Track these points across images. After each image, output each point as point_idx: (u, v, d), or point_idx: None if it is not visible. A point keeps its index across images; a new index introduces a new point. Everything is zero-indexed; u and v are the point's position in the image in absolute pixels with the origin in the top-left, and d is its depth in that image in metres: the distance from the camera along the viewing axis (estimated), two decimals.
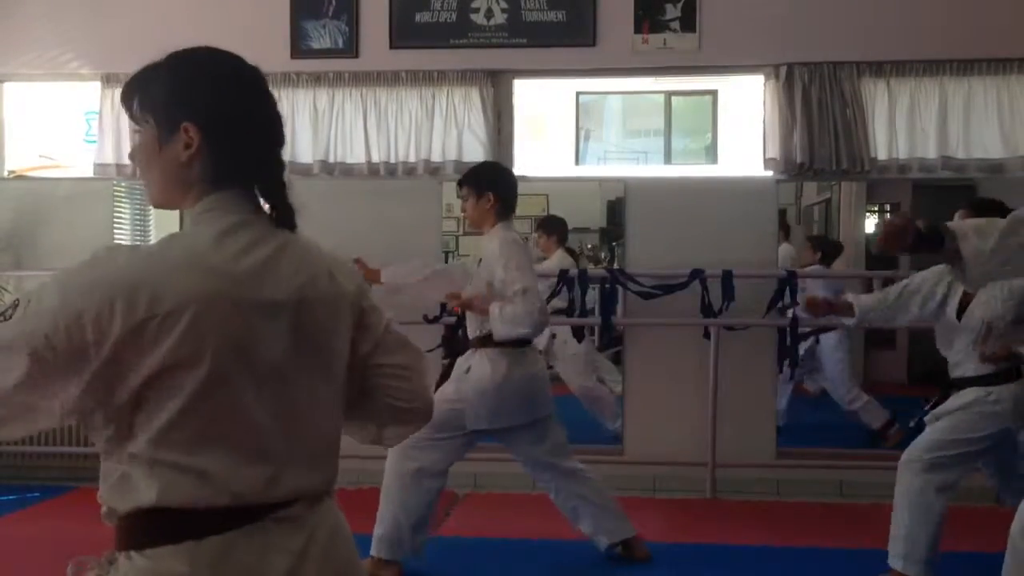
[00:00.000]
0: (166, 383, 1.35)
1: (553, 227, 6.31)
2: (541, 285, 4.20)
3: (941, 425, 3.65)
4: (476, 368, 3.82)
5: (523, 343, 3.85)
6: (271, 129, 1.53)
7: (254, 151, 1.49)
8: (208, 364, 1.35)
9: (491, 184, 3.87)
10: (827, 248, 6.36)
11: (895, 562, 3.62)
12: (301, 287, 1.47)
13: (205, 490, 1.37)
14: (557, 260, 6.05)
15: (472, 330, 3.90)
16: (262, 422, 1.41)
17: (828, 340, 5.90)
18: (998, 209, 3.75)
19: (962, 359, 3.69)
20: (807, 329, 5.34)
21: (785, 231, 6.66)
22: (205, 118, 1.46)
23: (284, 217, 1.50)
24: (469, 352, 3.90)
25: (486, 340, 3.83)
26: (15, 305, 1.34)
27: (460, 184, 3.96)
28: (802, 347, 5.72)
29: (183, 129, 1.45)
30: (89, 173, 5.72)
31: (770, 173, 5.40)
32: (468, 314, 3.93)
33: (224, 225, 1.44)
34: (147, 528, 1.38)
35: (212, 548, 1.36)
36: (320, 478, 1.50)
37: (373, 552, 3.82)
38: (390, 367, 1.63)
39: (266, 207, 1.51)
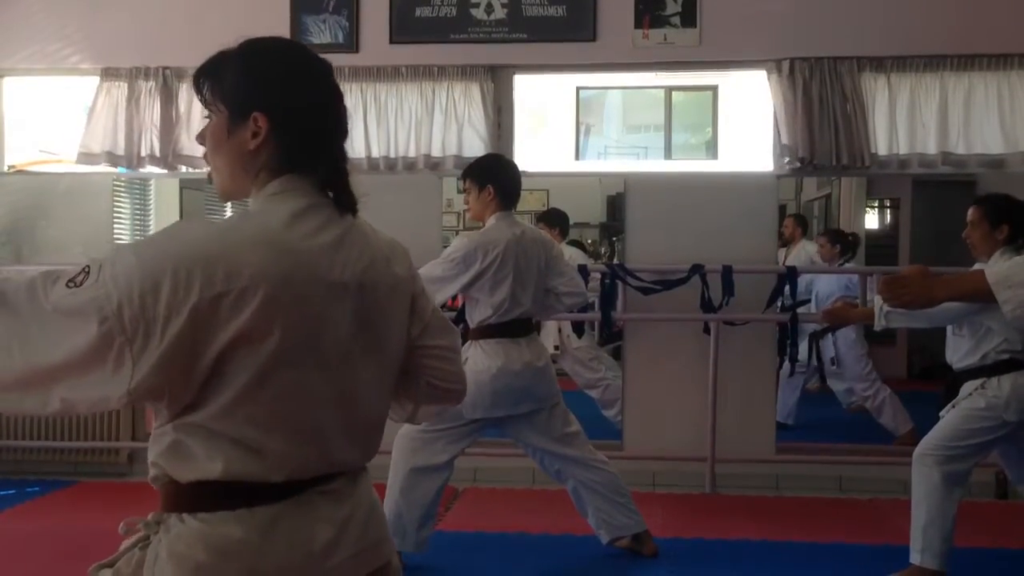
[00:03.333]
0: (236, 358, 1.35)
1: (555, 220, 6.30)
2: None
3: (948, 418, 3.67)
4: (472, 359, 3.82)
5: (520, 332, 3.86)
6: (337, 121, 1.56)
7: (319, 141, 1.52)
8: (277, 341, 1.37)
9: (492, 177, 3.87)
10: (845, 242, 6.36)
11: (915, 556, 3.63)
12: (364, 271, 1.51)
13: (262, 466, 1.39)
14: (566, 254, 6.07)
15: (470, 322, 3.92)
16: (322, 403, 1.44)
17: (847, 336, 5.89)
18: (1006, 204, 3.73)
19: (963, 353, 3.70)
20: (821, 326, 5.32)
21: (803, 228, 6.66)
22: (274, 108, 1.49)
23: (347, 203, 1.53)
24: (466, 344, 3.90)
25: (481, 331, 3.84)
26: (85, 272, 1.33)
27: (463, 177, 3.96)
28: (823, 347, 5.73)
29: (252, 119, 1.48)
30: (88, 168, 5.71)
31: (771, 168, 5.40)
32: (467, 307, 3.94)
33: (295, 207, 1.46)
34: (202, 494, 1.40)
35: (264, 516, 1.40)
36: (363, 454, 1.55)
37: None
38: (436, 348, 1.68)
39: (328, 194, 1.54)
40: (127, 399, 1.34)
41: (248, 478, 1.39)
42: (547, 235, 4.41)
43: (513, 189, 3.92)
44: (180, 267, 1.32)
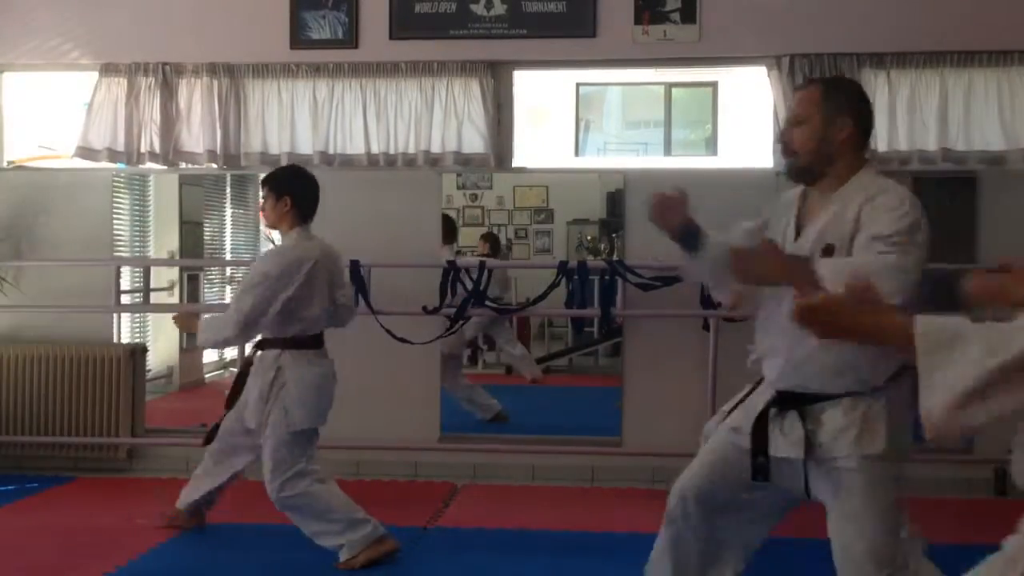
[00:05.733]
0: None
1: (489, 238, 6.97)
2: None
3: None
4: (292, 368, 3.88)
5: (322, 344, 3.98)
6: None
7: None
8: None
9: (289, 188, 3.96)
10: None
11: None
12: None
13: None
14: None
15: (281, 333, 3.92)
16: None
17: None
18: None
19: None
20: None
21: None
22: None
23: None
24: (277, 354, 3.91)
25: (298, 342, 3.91)
26: None
27: (262, 184, 4.06)
28: None
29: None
30: (88, 164, 5.70)
31: (771, 164, 5.39)
32: (277, 320, 3.89)
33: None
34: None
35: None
36: None
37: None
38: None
39: None
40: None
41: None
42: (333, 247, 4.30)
43: (310, 202, 4.01)
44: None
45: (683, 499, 2.74)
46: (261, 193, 4.04)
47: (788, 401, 2.58)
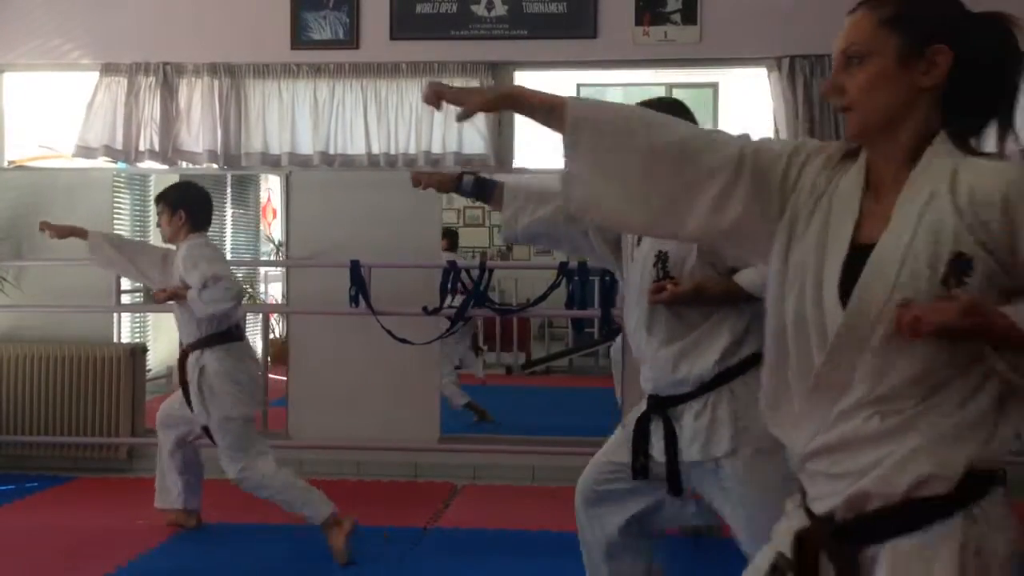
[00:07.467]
0: None
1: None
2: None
3: None
4: (234, 358, 4.06)
5: (235, 337, 4.15)
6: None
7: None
8: None
9: (183, 202, 4.15)
10: None
11: None
12: None
13: None
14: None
15: (207, 329, 4.06)
16: None
17: None
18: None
19: None
20: None
21: None
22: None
23: None
24: (208, 349, 4.06)
25: (226, 336, 4.08)
26: None
27: (156, 201, 4.24)
28: None
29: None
30: (88, 164, 5.71)
31: None
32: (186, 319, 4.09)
33: None
34: None
35: None
36: None
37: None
38: None
39: None
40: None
41: None
42: None
43: (204, 213, 4.22)
44: None
45: (580, 492, 2.81)
46: (157, 210, 4.22)
47: (657, 403, 2.68)
